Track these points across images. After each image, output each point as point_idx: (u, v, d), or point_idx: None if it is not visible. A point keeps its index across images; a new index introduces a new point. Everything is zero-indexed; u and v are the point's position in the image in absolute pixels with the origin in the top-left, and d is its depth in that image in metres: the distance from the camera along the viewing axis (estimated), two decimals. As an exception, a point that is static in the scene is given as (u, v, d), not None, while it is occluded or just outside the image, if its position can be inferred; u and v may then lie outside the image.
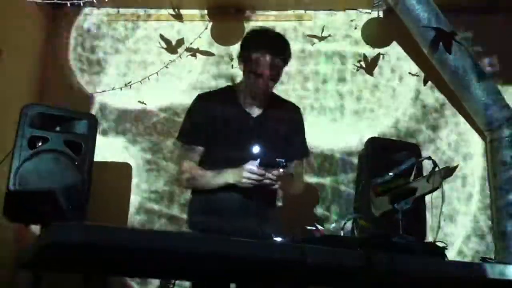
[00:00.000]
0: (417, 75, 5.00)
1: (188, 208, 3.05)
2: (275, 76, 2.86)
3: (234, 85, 3.07)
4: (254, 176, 2.63)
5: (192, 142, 2.92)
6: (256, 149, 2.67)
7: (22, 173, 2.99)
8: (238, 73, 4.79)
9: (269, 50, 2.79)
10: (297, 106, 3.17)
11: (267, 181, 2.64)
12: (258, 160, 2.60)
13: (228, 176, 2.73)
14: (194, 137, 2.92)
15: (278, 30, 5.03)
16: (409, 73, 5.01)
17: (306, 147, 3.13)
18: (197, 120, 2.93)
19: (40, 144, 3.13)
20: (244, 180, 2.65)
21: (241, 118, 2.92)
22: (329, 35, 5.09)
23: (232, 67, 5.00)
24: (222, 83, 4.80)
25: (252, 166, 2.63)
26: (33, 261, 1.73)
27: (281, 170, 2.61)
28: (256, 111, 2.95)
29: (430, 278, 2.19)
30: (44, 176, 3.05)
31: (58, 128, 3.26)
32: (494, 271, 2.24)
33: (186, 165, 2.92)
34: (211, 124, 2.89)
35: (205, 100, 2.99)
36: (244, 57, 2.88)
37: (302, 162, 3.15)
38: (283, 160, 2.58)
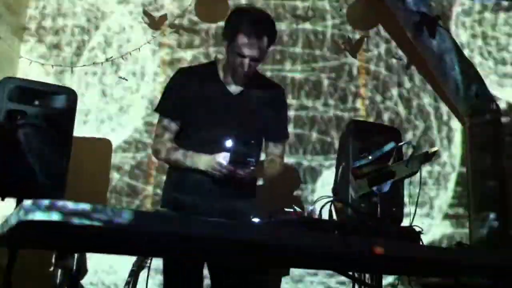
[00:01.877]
0: (401, 59, 5.00)
1: (164, 185, 3.01)
2: (259, 57, 2.76)
3: (216, 61, 2.99)
4: (223, 170, 2.63)
5: (168, 116, 2.87)
6: (229, 143, 2.59)
7: (-1, 147, 2.96)
8: (221, 51, 4.84)
9: (254, 29, 2.68)
10: (280, 87, 3.11)
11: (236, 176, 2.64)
12: (229, 155, 2.58)
13: (199, 163, 2.72)
14: (170, 110, 2.87)
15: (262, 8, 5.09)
16: (393, 56, 5.00)
17: (286, 130, 3.09)
18: (175, 94, 2.87)
19: (18, 118, 3.08)
20: (213, 171, 2.67)
21: (220, 95, 2.85)
22: (314, 16, 5.06)
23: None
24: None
25: (223, 160, 2.61)
26: (5, 236, 1.70)
27: (251, 168, 2.61)
28: (236, 89, 2.87)
29: (405, 262, 2.20)
30: (22, 150, 3.01)
31: (36, 102, 3.21)
32: (468, 256, 2.27)
33: (160, 139, 2.88)
34: (188, 99, 2.83)
35: (185, 74, 2.94)
36: (227, 36, 2.77)
37: (282, 144, 3.08)
38: (253, 160, 2.58)
